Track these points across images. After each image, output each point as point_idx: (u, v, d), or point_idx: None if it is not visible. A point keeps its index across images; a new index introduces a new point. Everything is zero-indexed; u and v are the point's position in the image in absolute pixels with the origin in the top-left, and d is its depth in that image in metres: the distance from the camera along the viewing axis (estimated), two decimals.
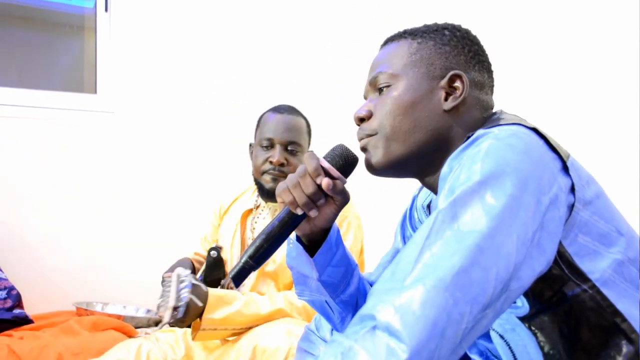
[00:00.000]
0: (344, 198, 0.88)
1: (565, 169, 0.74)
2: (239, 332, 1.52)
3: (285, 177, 1.60)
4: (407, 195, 1.12)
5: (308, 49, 3.12)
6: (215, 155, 2.86)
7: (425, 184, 0.93)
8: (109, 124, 2.79)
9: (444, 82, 0.87)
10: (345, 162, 0.88)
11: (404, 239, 1.10)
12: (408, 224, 1.09)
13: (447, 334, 0.61)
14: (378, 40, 1.00)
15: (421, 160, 0.89)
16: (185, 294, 1.37)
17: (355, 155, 0.90)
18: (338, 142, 0.94)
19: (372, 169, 0.91)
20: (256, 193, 1.76)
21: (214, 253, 1.68)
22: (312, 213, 0.86)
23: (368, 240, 1.74)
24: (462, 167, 0.70)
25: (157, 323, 2.60)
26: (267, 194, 1.65)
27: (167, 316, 1.33)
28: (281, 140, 1.64)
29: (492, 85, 0.94)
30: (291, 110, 1.71)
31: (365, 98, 0.96)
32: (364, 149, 0.91)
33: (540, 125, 0.79)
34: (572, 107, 1.92)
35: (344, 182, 0.88)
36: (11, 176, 2.60)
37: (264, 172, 1.64)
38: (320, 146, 1.85)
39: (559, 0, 2.04)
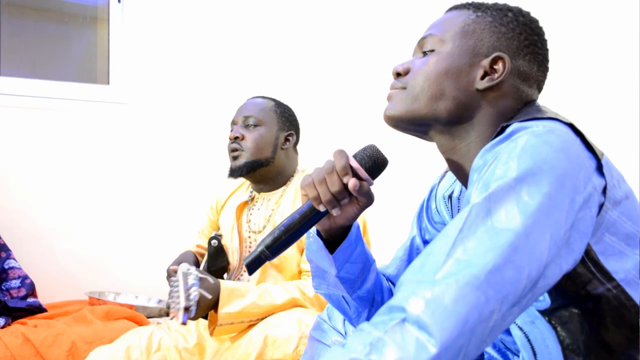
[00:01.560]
0: (369, 200, 0.87)
1: (599, 168, 0.73)
2: (256, 324, 1.52)
3: (241, 150, 1.64)
4: (422, 188, 1.11)
5: (322, 41, 3.11)
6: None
7: (444, 153, 0.91)
8: (121, 115, 2.80)
9: (486, 61, 0.85)
10: (374, 164, 0.86)
11: (420, 230, 1.09)
12: (425, 215, 1.08)
13: (476, 330, 0.61)
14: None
15: (438, 125, 0.87)
16: (195, 292, 1.37)
17: (385, 157, 0.87)
18: (331, 141, 0.92)
19: (388, 118, 0.89)
20: (251, 187, 1.77)
21: (214, 242, 1.69)
22: (335, 212, 0.85)
23: (381, 233, 1.74)
24: (497, 162, 0.69)
25: (168, 313, 2.62)
26: (230, 173, 1.68)
27: (180, 317, 1.34)
28: (237, 119, 1.70)
29: (541, 81, 0.90)
30: (258, 96, 1.76)
31: (414, 53, 0.95)
32: (388, 99, 0.90)
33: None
34: (572, 107, 1.91)
35: (371, 184, 0.86)
36: (24, 166, 2.62)
37: (229, 152, 1.68)
38: (325, 146, 1.85)
39: (559, 1, 2.03)
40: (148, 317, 2.45)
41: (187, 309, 1.35)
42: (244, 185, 1.84)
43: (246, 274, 1.70)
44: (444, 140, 0.89)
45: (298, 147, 1.80)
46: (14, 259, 2.29)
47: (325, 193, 0.83)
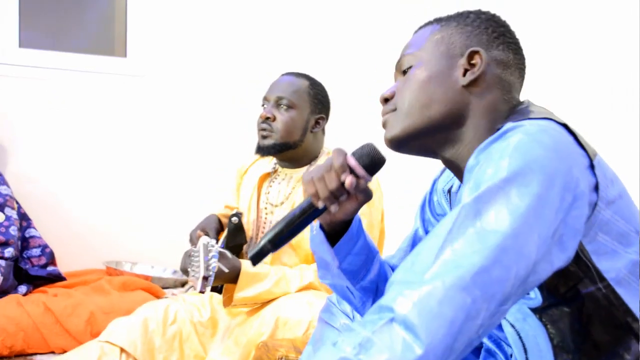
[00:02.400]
0: (366, 196, 0.89)
1: (591, 167, 0.74)
2: (269, 302, 1.57)
3: (270, 131, 1.64)
4: (428, 180, 1.13)
5: (352, 12, 3.08)
6: (245, 118, 2.87)
7: (443, 160, 0.93)
8: (138, 87, 2.82)
9: (463, 59, 0.87)
10: (371, 162, 0.88)
11: (424, 222, 1.11)
12: (427, 207, 1.10)
13: (463, 330, 0.63)
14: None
15: (437, 134, 0.88)
16: (214, 263, 1.42)
17: (382, 155, 0.90)
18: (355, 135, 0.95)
19: (390, 142, 0.91)
20: (274, 159, 1.78)
21: (235, 219, 1.71)
22: (333, 208, 0.87)
23: (389, 225, 1.76)
24: (489, 161, 0.70)
25: (183, 284, 2.68)
26: (257, 150, 1.68)
27: (198, 286, 1.39)
28: (270, 97, 1.68)
29: (521, 67, 0.92)
30: (293, 73, 1.73)
31: (395, 78, 0.97)
32: (383, 125, 0.93)
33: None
34: (572, 107, 1.90)
35: (368, 181, 0.88)
36: (43, 137, 2.66)
37: (259, 130, 1.67)
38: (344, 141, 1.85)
39: (559, 1, 2.00)
40: (163, 288, 2.52)
41: (205, 279, 1.39)
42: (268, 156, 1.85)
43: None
44: (447, 149, 0.90)
45: (329, 124, 1.79)
46: (34, 228, 2.35)
47: (323, 190, 0.86)
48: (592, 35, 1.89)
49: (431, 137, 0.89)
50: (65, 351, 1.84)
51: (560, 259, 0.70)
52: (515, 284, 0.65)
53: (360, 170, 0.87)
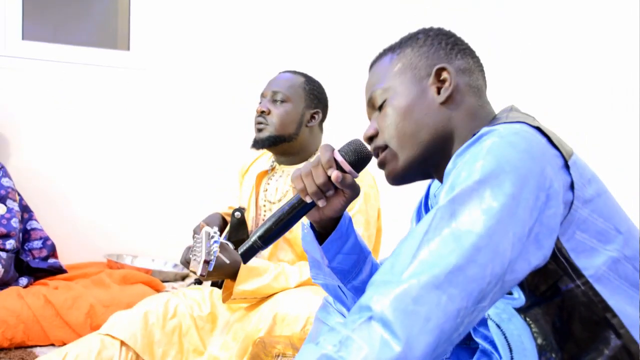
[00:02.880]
0: (354, 192, 0.91)
1: (566, 166, 0.75)
2: (268, 297, 1.58)
3: (265, 124, 1.67)
4: (424, 183, 1.13)
5: (355, 9, 3.08)
6: (246, 113, 2.87)
7: (441, 178, 0.94)
8: (141, 80, 2.82)
9: (431, 79, 0.90)
10: (358, 157, 0.90)
11: None
12: (423, 212, 1.11)
13: (444, 328, 0.64)
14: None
15: (434, 156, 0.91)
16: (216, 249, 1.43)
17: (369, 151, 0.93)
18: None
19: (393, 180, 0.94)
20: (273, 157, 1.79)
21: (237, 214, 1.73)
22: (321, 203, 0.89)
23: (386, 228, 1.76)
24: (464, 164, 0.72)
25: (183, 278, 2.70)
26: (253, 143, 1.71)
27: (199, 269, 1.40)
28: (266, 92, 1.71)
29: (481, 68, 0.95)
30: (290, 70, 1.76)
31: (369, 116, 0.99)
32: (381, 165, 0.95)
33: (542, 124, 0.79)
34: (572, 108, 1.90)
35: (355, 176, 0.90)
36: (46, 129, 2.67)
37: (255, 124, 1.71)
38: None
39: (559, 1, 1.99)
40: (163, 281, 2.53)
41: (207, 263, 1.41)
42: (267, 154, 1.87)
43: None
44: (443, 167, 0.89)
45: (325, 124, 1.81)
46: (35, 220, 2.37)
47: (311, 185, 0.88)
48: (592, 35, 1.88)
49: (429, 161, 0.91)
50: (65, 343, 1.86)
51: (537, 257, 0.71)
52: (491, 281, 0.67)
53: (346, 166, 0.89)
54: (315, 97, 1.72)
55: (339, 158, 0.89)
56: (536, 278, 0.76)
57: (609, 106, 1.83)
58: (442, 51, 0.91)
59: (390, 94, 0.92)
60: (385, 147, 0.92)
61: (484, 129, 0.76)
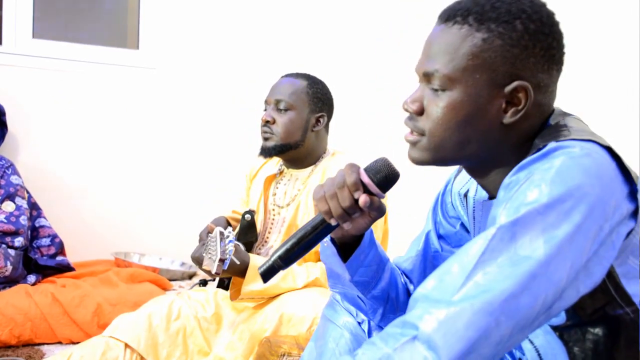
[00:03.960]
0: (380, 213, 0.86)
1: (631, 193, 0.73)
2: (274, 298, 1.58)
3: (271, 133, 1.66)
4: (433, 180, 1.11)
5: (362, 8, 3.07)
6: (256, 114, 2.87)
7: (471, 174, 0.91)
8: (150, 79, 2.83)
9: (506, 90, 0.78)
10: (385, 178, 0.85)
11: (435, 224, 1.09)
12: (439, 209, 1.08)
13: (484, 353, 0.63)
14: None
15: (471, 164, 0.86)
16: (232, 248, 1.44)
17: (397, 171, 0.86)
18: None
19: (414, 162, 0.87)
20: (281, 161, 1.79)
21: (247, 216, 1.73)
22: (346, 226, 0.85)
23: (395, 226, 1.75)
24: (530, 183, 0.69)
25: (191, 276, 2.70)
26: (261, 152, 1.71)
27: (214, 268, 1.40)
28: (269, 99, 1.70)
29: (559, 76, 0.85)
30: (292, 74, 1.74)
31: (420, 80, 0.86)
32: (411, 143, 0.86)
33: None
34: (572, 108, 1.88)
35: (382, 197, 0.85)
36: (55, 127, 2.68)
37: (261, 133, 1.71)
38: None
39: (559, 1, 1.97)
40: (171, 280, 2.54)
41: (221, 261, 1.41)
42: (276, 157, 1.86)
43: (267, 245, 1.75)
44: (473, 169, 0.88)
45: (332, 123, 1.79)
46: (44, 217, 2.38)
47: (337, 208, 0.84)
48: (592, 36, 1.86)
49: (461, 163, 0.87)
50: (72, 342, 1.87)
51: (587, 285, 0.69)
52: (541, 310, 0.65)
53: (374, 188, 0.84)
54: (319, 100, 1.70)
55: (366, 180, 0.84)
56: (584, 300, 0.73)
57: (609, 106, 1.80)
58: (532, 59, 0.78)
59: (454, 88, 0.79)
60: (423, 134, 0.83)
61: (553, 144, 0.72)
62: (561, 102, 1.91)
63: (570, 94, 1.90)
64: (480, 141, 0.81)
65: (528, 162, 0.72)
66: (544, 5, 0.82)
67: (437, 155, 0.83)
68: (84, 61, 2.72)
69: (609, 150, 0.73)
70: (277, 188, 1.77)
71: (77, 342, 1.80)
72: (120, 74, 2.78)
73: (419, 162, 0.86)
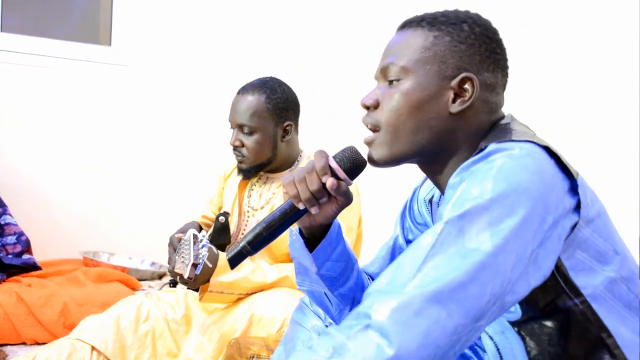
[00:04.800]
0: (347, 199, 0.89)
1: (572, 188, 0.76)
2: (243, 299, 1.57)
3: (242, 156, 1.66)
4: (406, 185, 1.13)
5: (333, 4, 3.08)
6: (228, 111, 2.86)
7: (426, 173, 0.94)
8: (122, 77, 2.79)
9: (454, 82, 0.85)
10: (353, 165, 0.89)
11: (403, 230, 1.12)
12: (408, 215, 1.11)
13: (440, 343, 0.65)
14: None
15: (424, 158, 0.90)
16: (205, 253, 1.43)
17: (364, 159, 0.90)
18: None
19: (375, 164, 0.91)
20: None
21: (222, 219, 1.72)
22: (314, 210, 0.88)
23: (369, 231, 1.76)
24: (473, 180, 0.72)
25: (161, 276, 2.68)
26: (238, 172, 1.71)
27: (187, 272, 1.39)
28: (234, 123, 1.67)
29: (505, 85, 0.92)
30: (247, 90, 1.68)
31: (377, 80, 0.95)
32: (367, 144, 0.91)
33: (539, 125, 0.79)
34: (572, 108, 1.91)
35: (349, 184, 0.88)
36: (23, 124, 2.63)
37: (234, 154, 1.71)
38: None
39: (559, 1, 2.01)
40: (140, 280, 2.51)
41: (194, 266, 1.40)
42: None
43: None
44: (430, 168, 0.92)
45: (322, 120, 1.78)
46: (10, 214, 2.33)
47: (305, 191, 0.87)
48: (592, 36, 1.89)
49: (418, 159, 0.90)
50: (37, 342, 1.84)
51: (536, 278, 0.72)
52: (490, 300, 0.67)
53: (341, 173, 0.87)
54: (281, 109, 1.66)
55: (334, 165, 0.87)
56: (535, 294, 0.76)
57: (609, 106, 1.84)
58: (477, 57, 0.86)
59: (406, 77, 0.87)
60: (379, 129, 0.89)
61: (493, 146, 0.75)
62: (561, 101, 1.94)
63: (570, 94, 1.93)
64: (430, 129, 0.86)
65: (470, 163, 0.75)
66: (488, 20, 0.91)
67: (393, 149, 0.88)
68: (55, 57, 2.68)
69: (547, 149, 0.77)
70: (252, 190, 1.76)
71: (42, 343, 1.77)
72: (91, 71, 2.74)
73: (378, 160, 0.90)
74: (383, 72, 0.91)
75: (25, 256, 2.28)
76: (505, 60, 0.91)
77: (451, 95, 0.86)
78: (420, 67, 0.86)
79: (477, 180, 0.71)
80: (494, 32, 0.90)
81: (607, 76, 1.84)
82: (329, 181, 0.85)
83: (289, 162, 1.73)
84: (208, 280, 1.51)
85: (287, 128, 1.68)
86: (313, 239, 0.96)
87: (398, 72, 0.87)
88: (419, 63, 0.86)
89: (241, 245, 0.88)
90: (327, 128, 2.78)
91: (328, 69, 2.98)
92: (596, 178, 1.87)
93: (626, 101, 1.79)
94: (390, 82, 0.89)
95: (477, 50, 0.86)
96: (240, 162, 1.68)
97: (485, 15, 0.92)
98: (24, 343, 1.86)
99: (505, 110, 0.92)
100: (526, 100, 1.97)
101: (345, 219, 1.59)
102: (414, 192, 1.11)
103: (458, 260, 0.67)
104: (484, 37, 0.87)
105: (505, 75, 0.91)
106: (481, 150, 0.77)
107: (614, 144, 1.82)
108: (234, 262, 0.89)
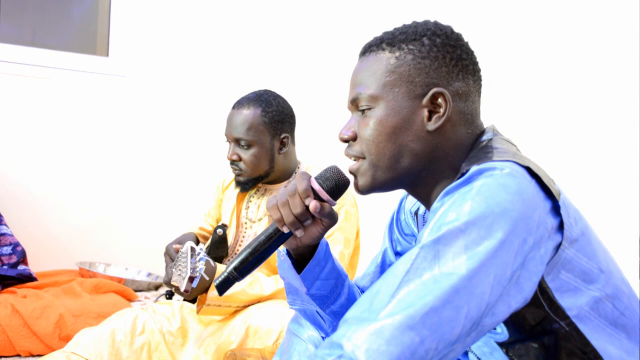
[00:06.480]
0: (332, 220, 0.88)
1: (554, 208, 0.75)
2: (240, 311, 1.56)
3: (240, 170, 1.66)
4: (395, 199, 1.13)
5: (326, 14, 3.09)
6: (224, 120, 2.86)
7: (417, 199, 0.93)
8: (119, 87, 2.80)
9: (425, 100, 0.84)
10: (335, 185, 0.88)
11: (392, 242, 1.11)
12: (395, 227, 1.10)
13: None
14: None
15: (409, 181, 0.89)
16: (202, 266, 1.42)
17: (347, 178, 0.89)
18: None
19: (361, 192, 0.91)
20: None
21: (220, 231, 1.72)
22: (298, 233, 0.87)
23: (366, 242, 1.76)
24: (452, 204, 0.71)
25: (157, 287, 2.67)
26: (236, 185, 1.71)
27: (183, 285, 1.39)
28: (231, 137, 1.67)
29: (479, 87, 0.90)
30: (242, 104, 1.68)
31: (350, 110, 0.94)
32: (352, 173, 0.91)
33: (538, 124, 0.78)
34: (572, 108, 1.91)
35: (333, 205, 0.88)
36: (20, 134, 2.63)
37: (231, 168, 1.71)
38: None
39: (559, 1, 2.01)
40: (136, 291, 2.50)
41: (191, 279, 1.39)
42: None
43: None
44: (416, 192, 0.91)
45: (315, 128, 1.78)
46: (5, 225, 2.32)
47: (288, 215, 0.85)
48: (592, 36, 1.89)
49: (405, 183, 0.89)
50: (31, 354, 1.82)
51: (517, 300, 0.71)
52: (466, 324, 0.66)
53: (324, 194, 0.86)
54: (277, 122, 1.66)
55: (317, 187, 0.86)
56: (521, 316, 0.75)
57: (609, 106, 1.83)
58: (444, 68, 0.85)
59: (376, 104, 0.86)
60: (362, 157, 0.88)
61: (474, 168, 0.74)
62: (561, 102, 1.94)
63: (570, 94, 1.93)
64: (411, 152, 0.85)
65: (452, 188, 0.74)
66: (449, 26, 0.90)
67: (377, 176, 0.87)
68: (52, 67, 2.68)
69: (528, 169, 0.76)
70: (250, 202, 1.76)
71: (37, 356, 1.76)
72: (89, 81, 2.75)
73: (364, 188, 0.89)
74: (354, 103, 0.90)
75: (21, 267, 2.27)
76: (475, 63, 0.89)
77: (425, 113, 0.84)
78: (388, 92, 0.85)
79: (455, 203, 0.70)
80: (457, 39, 0.88)
81: (607, 76, 1.84)
82: (312, 204, 0.84)
83: (286, 174, 1.73)
84: (205, 292, 1.51)
85: (283, 140, 1.68)
86: (301, 259, 0.95)
87: (368, 100, 0.87)
88: (387, 88, 0.85)
89: (228, 271, 0.87)
90: (324, 139, 2.79)
91: (322, 79, 2.99)
92: (596, 178, 1.87)
93: (626, 101, 1.79)
94: (362, 111, 0.88)
95: (442, 62, 0.85)
96: (238, 175, 1.68)
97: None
98: (18, 355, 1.85)
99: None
100: (526, 100, 1.97)
101: (343, 230, 1.59)
102: (400, 203, 1.10)
103: (432, 285, 0.66)
104: (446, 47, 0.86)
105: (477, 79, 0.89)
106: (463, 174, 0.76)
107: (614, 144, 1.81)
108: (221, 288, 0.88)
